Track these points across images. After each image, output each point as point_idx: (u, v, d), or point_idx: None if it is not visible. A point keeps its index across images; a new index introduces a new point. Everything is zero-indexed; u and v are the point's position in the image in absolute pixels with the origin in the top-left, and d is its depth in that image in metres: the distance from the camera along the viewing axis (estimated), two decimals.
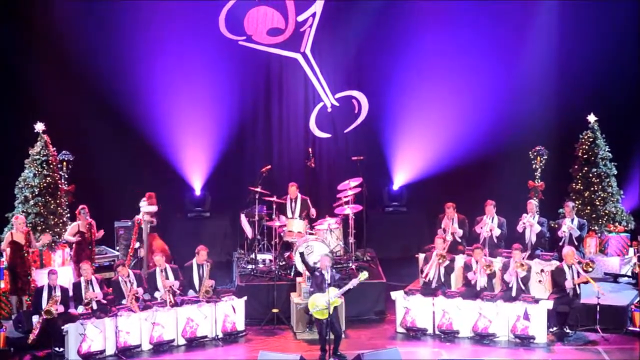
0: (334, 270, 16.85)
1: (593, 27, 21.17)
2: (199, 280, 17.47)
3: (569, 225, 18.51)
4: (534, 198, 19.56)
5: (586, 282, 17.04)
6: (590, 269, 17.07)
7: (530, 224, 18.51)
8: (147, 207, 18.75)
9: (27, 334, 16.45)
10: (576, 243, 18.44)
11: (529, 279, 17.33)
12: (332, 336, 16.22)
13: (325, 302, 16.24)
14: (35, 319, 16.46)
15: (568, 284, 17.04)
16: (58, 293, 16.52)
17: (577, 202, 19.58)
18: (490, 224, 18.58)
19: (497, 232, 18.58)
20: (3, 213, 19.07)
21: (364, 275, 16.56)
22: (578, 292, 17.11)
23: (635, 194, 20.98)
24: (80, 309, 16.57)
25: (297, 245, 18.48)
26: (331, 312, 16.13)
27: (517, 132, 21.47)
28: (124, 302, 16.78)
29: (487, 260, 17.38)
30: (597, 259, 19.49)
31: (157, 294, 17.19)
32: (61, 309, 16.43)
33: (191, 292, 17.43)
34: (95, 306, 16.56)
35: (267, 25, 21.75)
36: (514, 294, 17.11)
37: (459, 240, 18.81)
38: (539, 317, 16.79)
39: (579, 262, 17.12)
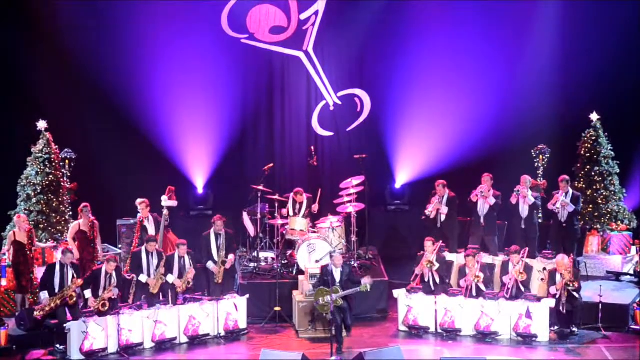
0: (346, 269, 16.97)
1: (596, 26, 21.16)
2: (217, 250, 17.63)
3: (562, 201, 18.53)
4: (540, 184, 19.70)
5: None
6: (570, 287, 16.89)
7: (524, 195, 18.52)
8: (167, 201, 18.74)
9: (29, 332, 16.54)
10: (572, 217, 18.57)
11: (529, 281, 17.35)
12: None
13: (328, 299, 16.33)
14: (43, 295, 16.52)
15: (552, 291, 17.03)
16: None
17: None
18: (489, 194, 18.65)
19: (491, 200, 18.61)
20: (5, 211, 19.11)
21: (364, 287, 16.64)
22: (574, 294, 17.00)
23: (637, 192, 20.96)
24: (88, 293, 16.64)
25: (300, 243, 18.51)
26: (332, 310, 16.22)
27: (520, 131, 21.45)
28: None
29: (477, 269, 17.35)
30: (600, 258, 19.52)
31: (170, 278, 17.28)
32: (88, 293, 16.70)
33: (210, 264, 17.66)
34: (107, 305, 16.64)
35: (270, 24, 21.74)
36: (514, 293, 17.16)
37: (443, 219, 18.80)
38: (541, 316, 16.78)
39: (568, 282, 16.88)
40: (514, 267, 17.24)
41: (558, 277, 16.99)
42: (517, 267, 17.23)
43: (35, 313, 16.46)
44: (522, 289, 17.14)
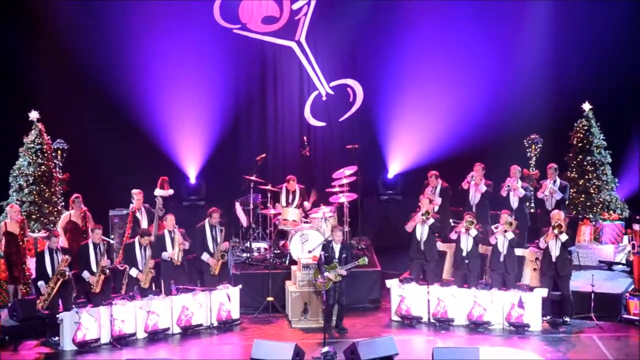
0: (345, 246, 17.12)
1: (588, 16, 21.18)
2: (213, 241, 17.59)
3: (550, 188, 18.60)
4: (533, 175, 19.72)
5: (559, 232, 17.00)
6: (556, 231, 16.90)
7: (514, 187, 18.56)
8: (160, 191, 18.68)
9: (21, 323, 16.52)
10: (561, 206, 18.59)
11: (516, 241, 17.38)
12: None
13: (326, 275, 16.40)
14: (41, 284, 16.48)
15: (541, 244, 17.08)
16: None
17: (572, 190, 19.60)
18: (480, 182, 18.70)
19: (482, 188, 18.64)
20: None
21: (363, 261, 16.81)
22: (557, 254, 16.95)
23: (629, 181, 21.01)
24: (86, 274, 16.62)
25: (292, 234, 18.51)
26: (328, 288, 16.37)
27: (512, 121, 21.50)
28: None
29: (472, 222, 17.42)
30: (592, 247, 19.57)
31: (164, 255, 17.26)
32: (86, 274, 16.64)
33: (205, 255, 17.52)
34: (107, 272, 16.67)
35: (262, 14, 21.71)
36: (501, 258, 17.22)
37: (436, 209, 18.78)
38: (533, 305, 16.81)
39: (555, 225, 16.96)
40: (503, 225, 17.30)
41: (550, 230, 17.07)
42: (509, 219, 17.28)
43: (38, 304, 16.41)
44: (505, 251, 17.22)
